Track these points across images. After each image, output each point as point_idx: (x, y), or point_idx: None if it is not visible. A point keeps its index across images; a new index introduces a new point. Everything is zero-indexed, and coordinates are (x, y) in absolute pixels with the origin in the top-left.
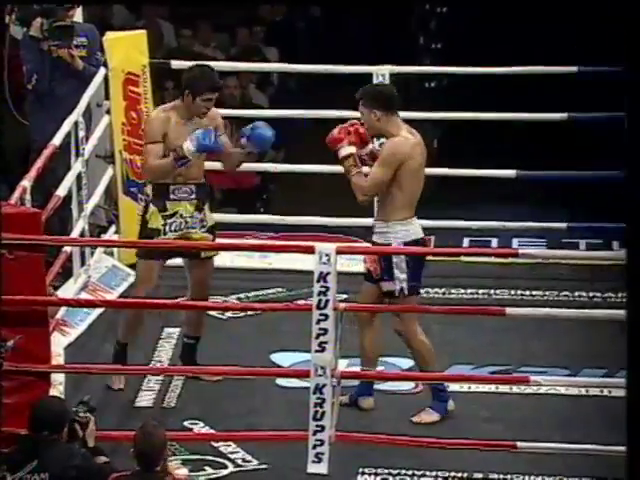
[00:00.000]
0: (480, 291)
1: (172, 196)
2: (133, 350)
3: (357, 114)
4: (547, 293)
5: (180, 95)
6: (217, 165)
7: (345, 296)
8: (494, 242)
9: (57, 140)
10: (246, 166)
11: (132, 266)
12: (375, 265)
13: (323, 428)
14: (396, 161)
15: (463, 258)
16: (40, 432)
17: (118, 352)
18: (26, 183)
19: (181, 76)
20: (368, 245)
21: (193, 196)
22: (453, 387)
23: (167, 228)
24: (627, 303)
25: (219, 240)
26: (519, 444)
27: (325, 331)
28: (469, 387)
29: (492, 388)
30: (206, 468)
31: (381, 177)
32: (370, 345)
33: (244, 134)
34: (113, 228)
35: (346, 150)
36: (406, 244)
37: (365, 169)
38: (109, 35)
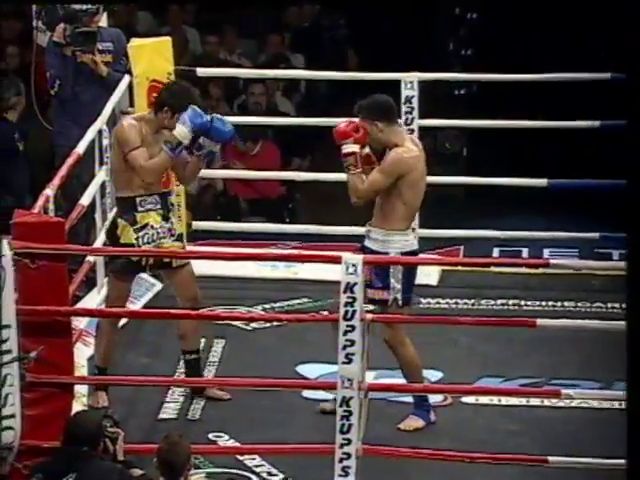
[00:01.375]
0: (510, 302)
1: (140, 208)
2: (157, 361)
3: None
4: (579, 304)
5: (154, 109)
6: (242, 174)
7: (372, 307)
8: (525, 252)
9: (81, 148)
10: (271, 175)
11: (156, 276)
12: (367, 272)
13: (350, 441)
14: (398, 171)
15: (493, 268)
16: (77, 447)
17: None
18: (49, 192)
19: (207, 84)
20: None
21: (159, 206)
22: (482, 400)
23: (140, 241)
24: (627, 314)
25: (242, 250)
26: (550, 459)
27: (352, 342)
28: (499, 400)
29: (522, 401)
30: None
31: (380, 184)
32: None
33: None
34: None
35: (351, 148)
36: (403, 254)
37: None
38: (134, 42)
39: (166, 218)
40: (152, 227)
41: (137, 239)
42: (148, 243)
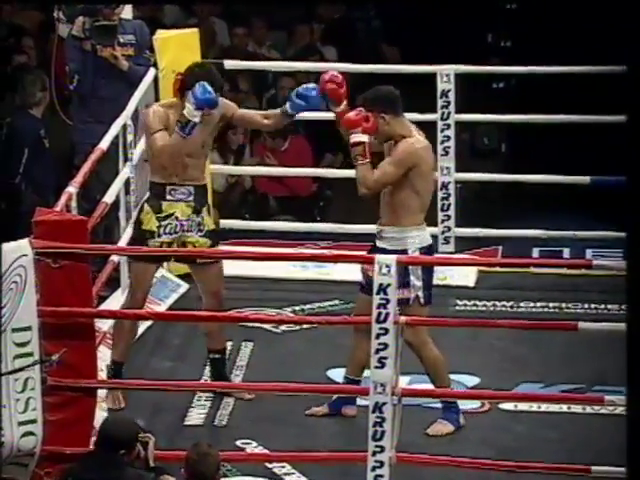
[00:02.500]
0: (551, 304)
1: (168, 197)
2: (183, 365)
3: (418, 116)
4: (623, 307)
5: (180, 94)
6: (270, 171)
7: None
8: (566, 252)
9: (104, 144)
10: (300, 171)
11: (182, 277)
12: None
13: (383, 449)
14: (410, 162)
15: (533, 269)
16: (113, 451)
17: (114, 373)
18: (72, 189)
19: (235, 76)
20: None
21: (191, 198)
22: (521, 407)
23: (161, 230)
24: (627, 317)
25: (271, 250)
26: (594, 468)
27: (385, 346)
28: (539, 407)
29: (563, 408)
30: None
31: (392, 176)
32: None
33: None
34: None
35: (359, 137)
36: (422, 249)
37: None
38: (160, 34)
39: (197, 211)
40: (177, 218)
41: (159, 227)
42: (169, 234)
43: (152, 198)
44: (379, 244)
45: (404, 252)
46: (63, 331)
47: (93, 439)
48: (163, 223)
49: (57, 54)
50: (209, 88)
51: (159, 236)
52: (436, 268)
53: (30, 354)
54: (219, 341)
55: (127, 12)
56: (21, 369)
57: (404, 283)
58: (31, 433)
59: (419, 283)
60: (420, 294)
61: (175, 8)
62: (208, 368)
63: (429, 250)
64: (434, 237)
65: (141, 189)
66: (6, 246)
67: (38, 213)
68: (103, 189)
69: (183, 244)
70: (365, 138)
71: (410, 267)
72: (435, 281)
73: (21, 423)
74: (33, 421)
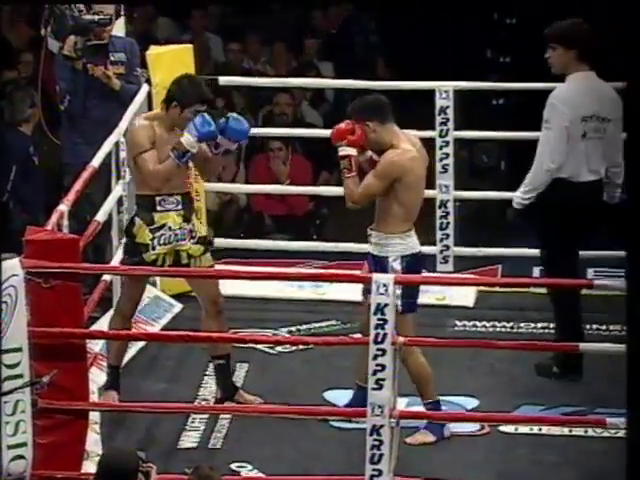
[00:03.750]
0: (551, 325)
1: (159, 207)
2: (177, 387)
3: (416, 133)
4: (625, 328)
5: (165, 105)
6: (267, 189)
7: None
8: None
9: (96, 162)
10: (295, 189)
11: (176, 296)
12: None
13: (381, 473)
14: (392, 174)
15: (533, 289)
16: None
17: (112, 377)
18: (64, 207)
19: (230, 93)
20: (427, 274)
21: (180, 207)
22: (522, 429)
23: (155, 242)
24: (627, 337)
25: (266, 269)
26: None
27: (383, 367)
28: (539, 429)
29: (565, 431)
30: None
31: (374, 189)
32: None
33: (218, 128)
34: None
35: (345, 151)
36: (403, 258)
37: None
38: (153, 50)
39: (187, 219)
40: (170, 228)
41: (153, 239)
42: (164, 244)
43: (142, 211)
44: (368, 248)
45: (385, 259)
46: (54, 352)
47: (84, 462)
48: (157, 234)
49: (46, 70)
50: (209, 119)
51: (153, 248)
52: (434, 288)
53: (20, 376)
54: (222, 347)
55: (119, 28)
56: (11, 391)
57: None
58: (21, 457)
59: (398, 291)
60: (398, 302)
61: (169, 23)
62: (213, 375)
63: (414, 258)
64: (432, 256)
65: (132, 207)
66: None
67: (29, 232)
68: (92, 208)
69: (177, 253)
70: (351, 151)
71: (391, 271)
72: (433, 301)
73: (11, 446)
74: (23, 444)
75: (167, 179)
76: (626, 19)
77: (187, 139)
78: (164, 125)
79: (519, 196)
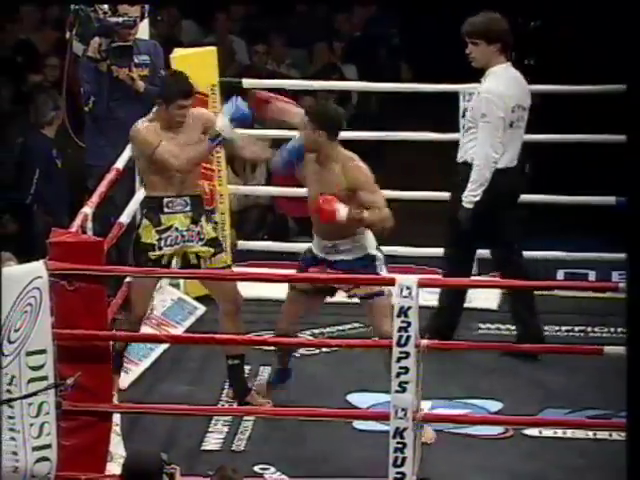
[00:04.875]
0: (576, 328)
1: (166, 209)
2: (200, 389)
3: (440, 136)
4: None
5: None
6: (287, 191)
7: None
8: (591, 275)
9: (120, 164)
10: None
11: (199, 299)
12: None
13: (404, 475)
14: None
15: (557, 292)
16: None
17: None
18: (88, 210)
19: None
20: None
21: (188, 208)
22: (546, 432)
23: (162, 243)
24: (627, 340)
25: (290, 271)
26: None
27: (406, 370)
28: (564, 432)
29: (589, 434)
30: None
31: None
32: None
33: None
34: None
35: (343, 213)
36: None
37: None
38: (176, 52)
39: (195, 221)
40: (177, 229)
41: (159, 240)
42: (170, 246)
43: (150, 212)
44: (337, 257)
45: (368, 257)
46: (78, 354)
47: (108, 464)
48: (163, 236)
49: (71, 73)
50: (242, 103)
51: (160, 248)
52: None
53: (45, 378)
54: (237, 347)
55: (143, 31)
56: (35, 393)
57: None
58: (46, 458)
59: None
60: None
61: (193, 26)
62: (227, 375)
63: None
64: None
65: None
66: (21, 268)
67: (53, 234)
68: (116, 210)
69: (184, 255)
70: (345, 209)
71: (377, 263)
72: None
73: (35, 448)
74: (48, 446)
75: (194, 163)
76: (626, 21)
77: (220, 121)
78: (162, 124)
79: (468, 195)
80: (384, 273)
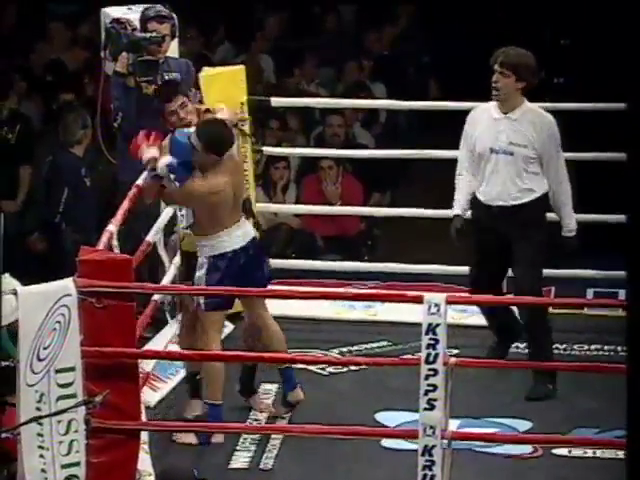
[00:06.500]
0: (605, 347)
1: None
2: (228, 407)
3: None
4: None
5: None
6: (318, 209)
7: (456, 351)
8: (622, 294)
9: (141, 180)
10: (347, 210)
11: (228, 317)
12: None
13: None
14: None
15: (587, 310)
16: None
17: (192, 384)
18: (113, 228)
19: (285, 114)
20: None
21: None
22: (576, 452)
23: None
24: (627, 357)
25: (318, 289)
26: None
27: (434, 387)
28: (594, 452)
29: (619, 454)
30: None
31: None
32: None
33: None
34: None
35: (147, 155)
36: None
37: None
38: (206, 71)
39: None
40: None
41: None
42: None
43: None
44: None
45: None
46: (106, 372)
47: None
48: None
49: (104, 91)
50: (189, 168)
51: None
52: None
53: (73, 395)
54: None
55: (174, 50)
56: (64, 411)
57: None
58: (74, 476)
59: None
60: (201, 300)
61: (225, 45)
62: (254, 415)
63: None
64: None
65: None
66: (50, 285)
67: (82, 252)
68: (146, 226)
69: None
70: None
71: (197, 274)
72: (484, 322)
73: (64, 466)
74: (76, 464)
75: (148, 195)
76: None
77: (162, 164)
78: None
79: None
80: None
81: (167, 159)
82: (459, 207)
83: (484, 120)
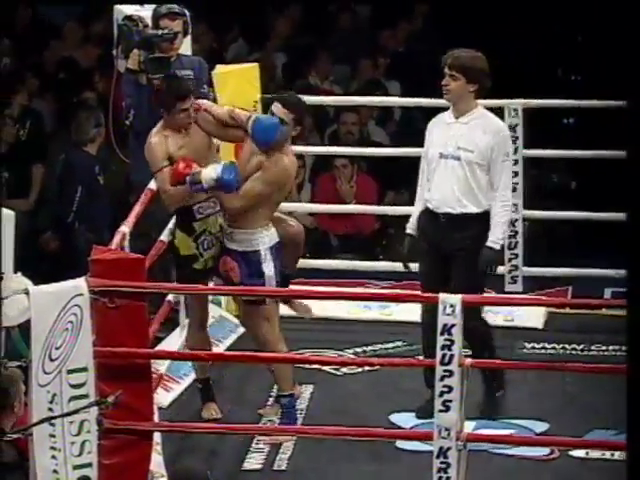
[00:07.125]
0: (624, 348)
1: (198, 215)
2: (241, 408)
3: None
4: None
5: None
6: (333, 208)
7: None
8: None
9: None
10: (361, 209)
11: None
12: (235, 272)
13: None
14: None
15: (604, 310)
16: None
17: (204, 390)
18: (125, 229)
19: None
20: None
21: (217, 208)
22: (593, 454)
23: (201, 249)
24: (627, 357)
25: (332, 289)
26: None
27: (449, 389)
28: (612, 454)
29: None
30: None
31: None
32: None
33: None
34: None
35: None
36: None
37: None
38: (219, 69)
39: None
40: (210, 233)
41: (197, 247)
42: (209, 248)
43: (181, 223)
44: (229, 245)
45: (256, 252)
46: (119, 372)
47: None
48: (199, 241)
49: (116, 90)
50: (236, 172)
51: (201, 255)
52: (503, 309)
53: (86, 396)
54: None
55: (187, 47)
56: (77, 411)
57: (260, 283)
58: (86, 477)
59: (274, 282)
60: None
61: (238, 43)
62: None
63: (280, 245)
64: (500, 277)
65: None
66: (62, 285)
67: (94, 251)
68: (157, 226)
69: (221, 252)
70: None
71: (263, 263)
72: (502, 322)
73: (76, 467)
74: (88, 465)
75: (178, 202)
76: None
77: (208, 175)
78: (171, 131)
79: (500, 236)
80: (268, 272)
81: (213, 171)
82: (412, 226)
83: (439, 125)
